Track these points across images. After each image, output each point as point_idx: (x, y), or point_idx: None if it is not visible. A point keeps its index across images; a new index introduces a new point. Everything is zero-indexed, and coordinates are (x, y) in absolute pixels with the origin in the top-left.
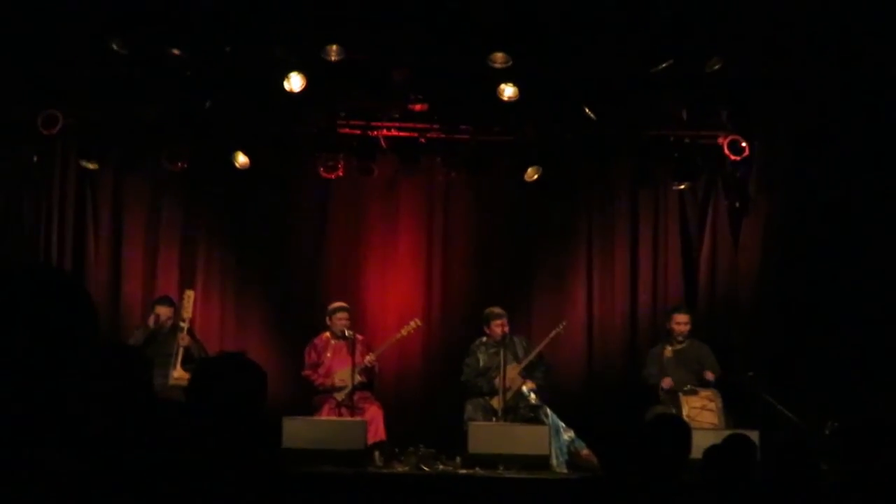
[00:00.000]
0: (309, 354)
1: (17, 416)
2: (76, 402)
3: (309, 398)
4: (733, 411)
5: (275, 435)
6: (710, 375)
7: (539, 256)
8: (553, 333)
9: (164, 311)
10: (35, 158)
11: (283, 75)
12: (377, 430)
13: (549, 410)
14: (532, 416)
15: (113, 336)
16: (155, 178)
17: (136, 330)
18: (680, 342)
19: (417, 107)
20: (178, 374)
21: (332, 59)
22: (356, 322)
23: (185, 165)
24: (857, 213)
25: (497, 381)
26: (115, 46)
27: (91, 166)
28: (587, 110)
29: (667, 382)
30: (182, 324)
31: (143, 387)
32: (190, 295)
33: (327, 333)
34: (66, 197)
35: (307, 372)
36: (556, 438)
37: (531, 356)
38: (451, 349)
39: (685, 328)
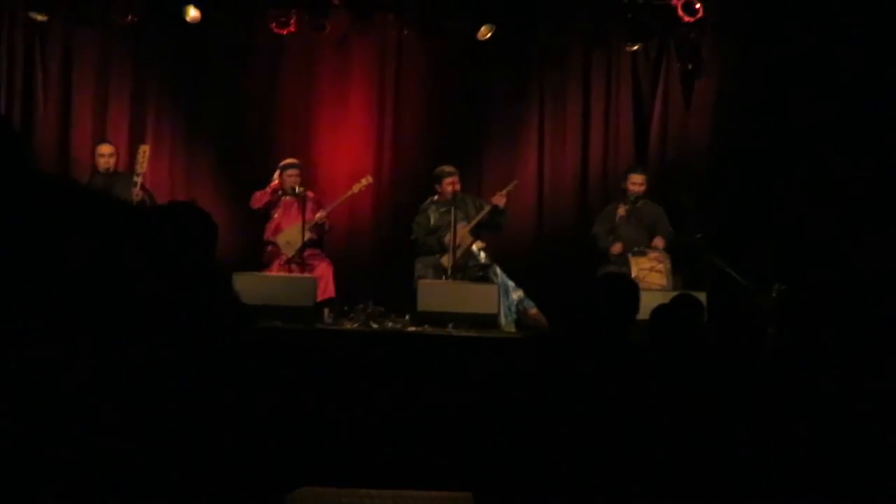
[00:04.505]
0: (260, 198)
1: None
2: None
3: (259, 254)
4: (682, 273)
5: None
6: (659, 243)
7: (491, 116)
8: (504, 191)
9: (105, 149)
10: None
11: None
12: (327, 287)
13: (498, 269)
14: (481, 275)
15: None
16: (105, 31)
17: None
18: (634, 202)
19: None
20: None
21: None
22: (307, 179)
23: (136, 18)
24: (810, 76)
25: (447, 240)
26: None
27: (40, 18)
28: None
29: (617, 248)
30: (136, 178)
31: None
32: (145, 149)
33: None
34: (14, 49)
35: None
36: (505, 297)
37: (481, 215)
38: (402, 207)
39: (640, 188)
